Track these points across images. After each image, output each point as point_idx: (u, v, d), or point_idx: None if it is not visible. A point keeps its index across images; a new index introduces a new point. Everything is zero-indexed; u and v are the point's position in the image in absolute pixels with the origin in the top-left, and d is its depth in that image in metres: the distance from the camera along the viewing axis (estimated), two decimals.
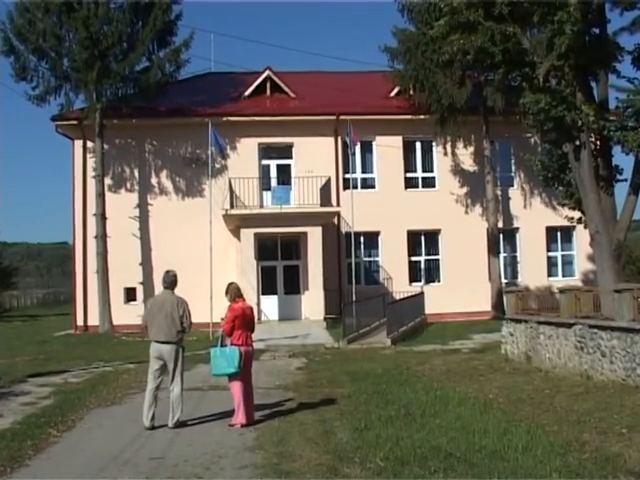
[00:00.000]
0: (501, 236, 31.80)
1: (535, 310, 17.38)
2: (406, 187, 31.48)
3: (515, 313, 17.54)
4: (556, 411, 10.55)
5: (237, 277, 26.25)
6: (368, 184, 31.41)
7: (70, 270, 32.37)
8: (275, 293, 29.55)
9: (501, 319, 19.24)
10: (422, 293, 29.06)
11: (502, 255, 31.75)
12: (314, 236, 27.57)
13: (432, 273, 31.71)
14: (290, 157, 30.99)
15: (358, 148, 29.00)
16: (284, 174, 30.76)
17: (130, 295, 29.58)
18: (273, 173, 30.96)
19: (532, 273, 31.10)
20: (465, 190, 31.76)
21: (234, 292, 10.32)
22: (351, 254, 27.89)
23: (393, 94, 32.43)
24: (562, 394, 11.92)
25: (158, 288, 10.04)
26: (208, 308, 24.75)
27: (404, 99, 31.61)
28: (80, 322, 29.73)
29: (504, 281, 30.82)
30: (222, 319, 10.37)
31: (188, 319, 10.15)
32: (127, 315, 27.79)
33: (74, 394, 13.30)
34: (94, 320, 28.78)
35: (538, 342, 15.89)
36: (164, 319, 10.04)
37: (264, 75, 32.40)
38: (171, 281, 10.40)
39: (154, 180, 30.53)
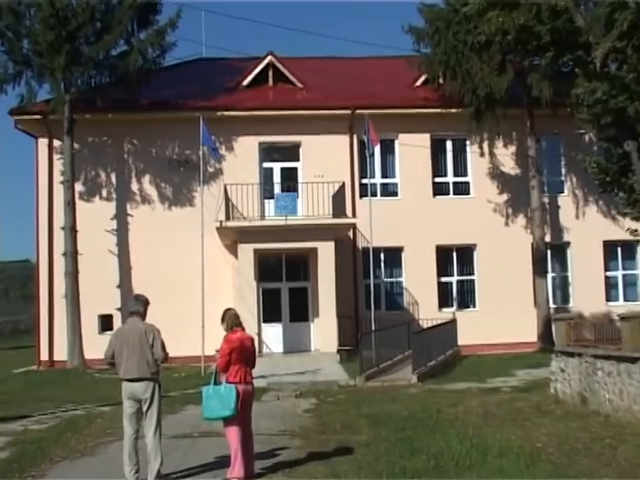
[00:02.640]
0: (549, 252, 31.79)
1: (591, 341, 17.26)
2: (435, 194, 31.58)
3: (566, 345, 17.43)
4: (619, 465, 10.44)
5: (234, 302, 26.13)
6: (389, 191, 31.55)
7: (32, 294, 32.44)
8: (279, 321, 29.63)
9: (550, 352, 19.13)
10: (454, 321, 29.00)
11: (550, 275, 31.73)
12: (325, 253, 27.61)
13: (466, 297, 31.76)
14: (297, 159, 31.14)
15: (377, 148, 29.11)
16: (290, 179, 30.89)
17: (105, 324, 29.49)
18: (277, 178, 31.10)
19: (587, 297, 31.00)
20: (505, 197, 31.80)
21: (232, 320, 10.31)
22: (369, 274, 27.77)
23: (419, 83, 32.64)
24: (626, 444, 11.79)
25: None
26: (199, 339, 24.75)
27: (432, 89, 31.75)
28: (44, 356, 29.76)
29: (552, 306, 30.73)
30: (216, 351, 10.32)
31: (159, 349, 10.12)
32: (102, 348, 27.24)
33: (36, 444, 13.17)
34: (62, 354, 28.79)
35: (595, 380, 15.77)
36: (132, 352, 10.08)
37: (266, 61, 32.60)
38: (139, 307, 10.40)
39: (135, 186, 30.66)
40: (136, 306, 10.42)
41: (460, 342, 28.77)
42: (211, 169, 30.33)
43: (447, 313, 30.24)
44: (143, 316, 10.39)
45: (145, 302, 10.47)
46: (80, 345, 28.21)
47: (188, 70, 34.48)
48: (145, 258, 29.66)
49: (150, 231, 29.84)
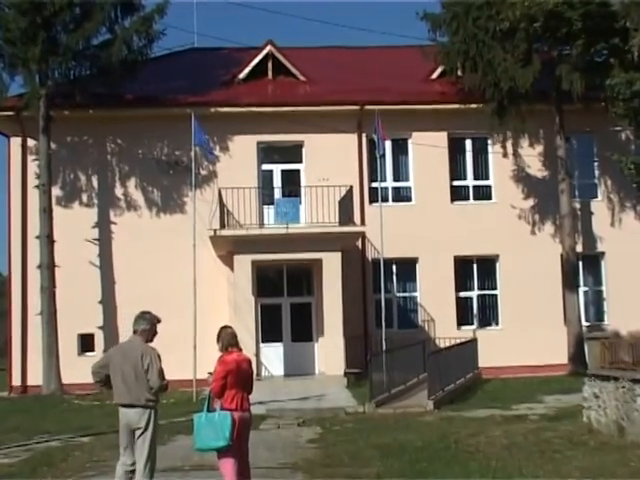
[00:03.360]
0: (580, 264, 31.77)
1: (629, 364, 17.23)
2: (453, 199, 31.62)
3: (601, 367, 17.40)
4: None
5: (229, 319, 26.28)
6: (402, 196, 31.64)
7: (4, 310, 32.35)
8: (280, 340, 29.69)
9: (582, 375, 19.08)
10: (474, 340, 29.08)
11: (582, 289, 31.73)
12: (331, 265, 27.59)
13: (487, 313, 31.79)
14: (299, 160, 31.29)
15: (389, 148, 29.15)
16: (291, 183, 31.02)
17: (86, 344, 29.61)
18: (277, 181, 31.21)
19: (623, 313, 30.73)
20: (531, 203, 31.81)
21: (228, 339, 10.27)
22: (380, 288, 27.82)
23: (435, 76, 32.72)
24: None
25: (124, 335, 9.96)
26: (190, 360, 24.82)
27: (450, 82, 31.81)
28: (17, 381, 29.72)
29: (585, 324, 30.70)
30: (210, 375, 10.32)
31: (155, 376, 10.15)
32: (81, 371, 27.19)
33: None
34: (36, 378, 28.72)
35: (634, 407, 15.72)
36: (127, 375, 10.14)
37: (265, 52, 32.65)
38: (140, 325, 10.47)
39: (119, 191, 30.71)
40: (137, 324, 10.48)
41: (481, 364, 28.75)
42: (204, 172, 30.40)
43: (467, 331, 30.29)
44: (147, 336, 10.45)
45: (150, 320, 10.51)
46: (57, 368, 28.13)
47: (178, 61, 34.54)
48: (131, 271, 29.67)
49: (136, 241, 29.83)
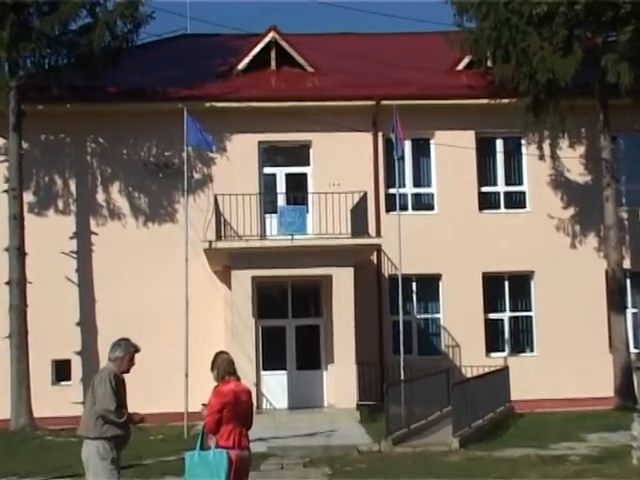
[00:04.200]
0: (628, 282, 31.65)
1: None
2: (481, 208, 31.65)
3: None
4: None
5: (226, 344, 26.32)
6: (423, 203, 31.75)
7: None
8: (283, 368, 29.78)
9: (630, 410, 19.04)
10: (506, 369, 29.02)
11: (630, 311, 31.58)
12: (342, 282, 27.63)
13: (521, 338, 31.79)
14: (306, 163, 31.45)
15: (408, 149, 29.26)
16: (297, 188, 31.14)
17: (61, 372, 29.58)
18: (281, 187, 31.30)
19: None
20: (571, 212, 31.80)
21: (224, 367, 10.29)
22: (398, 309, 27.79)
23: (461, 67, 32.78)
24: None
25: (105, 361, 10.09)
26: (181, 391, 24.79)
27: (478, 74, 31.87)
28: None
29: (634, 351, 30.28)
30: (204, 407, 10.30)
31: (100, 397, 10.23)
32: (56, 403, 27.82)
33: None
34: (3, 411, 28.45)
35: None
36: (86, 404, 10.50)
37: (267, 39, 32.73)
38: (119, 353, 10.64)
39: (100, 197, 30.75)
40: (111, 351, 10.71)
41: (514, 396, 28.66)
42: (198, 175, 30.46)
43: (497, 359, 30.29)
44: (120, 365, 10.59)
45: (125, 348, 10.67)
46: (28, 399, 27.96)
47: (169, 50, 34.61)
48: (113, 288, 29.63)
49: (120, 254, 29.87)
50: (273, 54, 32.65)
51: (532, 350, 31.56)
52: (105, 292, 29.92)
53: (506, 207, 32.01)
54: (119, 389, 10.37)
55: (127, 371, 10.59)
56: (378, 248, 29.53)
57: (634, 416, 17.83)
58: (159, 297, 28.98)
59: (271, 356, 29.39)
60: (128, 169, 30.76)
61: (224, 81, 31.81)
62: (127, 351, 10.58)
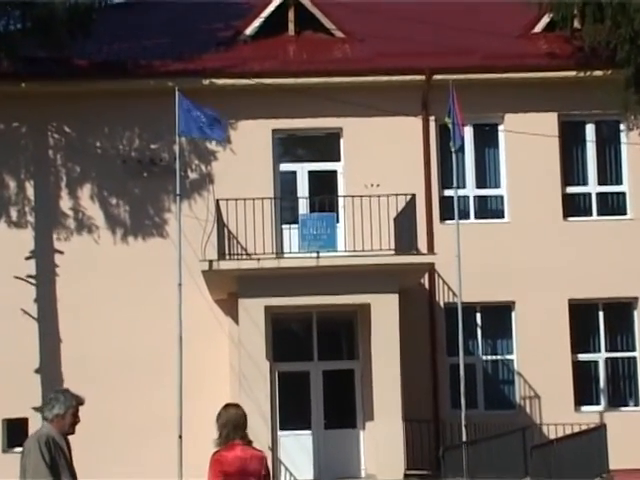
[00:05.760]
0: None
1: None
2: (567, 214, 31.40)
3: None
4: None
5: (231, 394, 26.63)
6: (490, 209, 31.81)
7: None
8: (307, 427, 29.60)
9: None
10: (602, 428, 28.53)
11: None
12: (384, 313, 27.40)
13: (622, 387, 31.52)
14: (336, 157, 31.40)
15: (469, 138, 29.43)
16: (324, 191, 30.95)
17: (16, 433, 28.87)
18: (303, 189, 31.21)
19: None
20: None
21: (232, 426, 10.26)
22: (457, 348, 27.73)
23: (539, 29, 32.64)
24: None
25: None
26: (174, 456, 24.74)
27: (560, 39, 31.79)
28: None
29: None
30: None
31: (31, 474, 10.43)
32: (8, 471, 27.36)
33: None
34: None
35: None
36: None
37: None
38: (59, 410, 10.66)
39: (66, 203, 30.68)
40: (47, 408, 10.85)
41: (613, 464, 28.03)
42: (194, 174, 30.45)
43: (590, 414, 29.98)
44: (63, 425, 10.65)
45: (66, 403, 10.74)
46: None
47: (154, 12, 34.73)
48: (84, 324, 29.52)
49: (92, 278, 29.77)
50: (291, 15, 32.58)
51: (637, 403, 31.32)
52: (73, 329, 29.73)
53: (599, 213, 31.77)
54: (57, 459, 10.39)
55: (72, 432, 10.66)
56: (430, 268, 29.33)
57: None
58: (144, 335, 28.88)
59: (291, 411, 29.21)
60: (103, 167, 30.61)
61: (227, 51, 31.83)
62: (69, 405, 10.59)
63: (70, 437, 10.77)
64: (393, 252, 28.32)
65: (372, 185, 29.49)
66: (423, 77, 30.44)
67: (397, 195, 28.37)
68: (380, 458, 27.22)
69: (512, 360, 31.03)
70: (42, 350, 29.77)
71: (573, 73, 30.75)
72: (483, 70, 30.56)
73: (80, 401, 10.70)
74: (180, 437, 24.74)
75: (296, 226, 28.87)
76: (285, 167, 31.22)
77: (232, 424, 10.22)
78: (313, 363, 29.86)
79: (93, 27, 29.51)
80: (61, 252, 30.34)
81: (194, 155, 29.78)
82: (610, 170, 31.95)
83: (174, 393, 25.47)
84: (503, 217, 31.40)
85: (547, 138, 30.79)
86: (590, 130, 31.92)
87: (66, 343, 29.73)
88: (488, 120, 31.12)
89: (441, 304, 30.38)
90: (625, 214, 31.60)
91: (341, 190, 30.72)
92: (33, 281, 30.11)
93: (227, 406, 10.52)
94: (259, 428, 24.18)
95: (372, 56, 31.37)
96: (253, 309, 27.26)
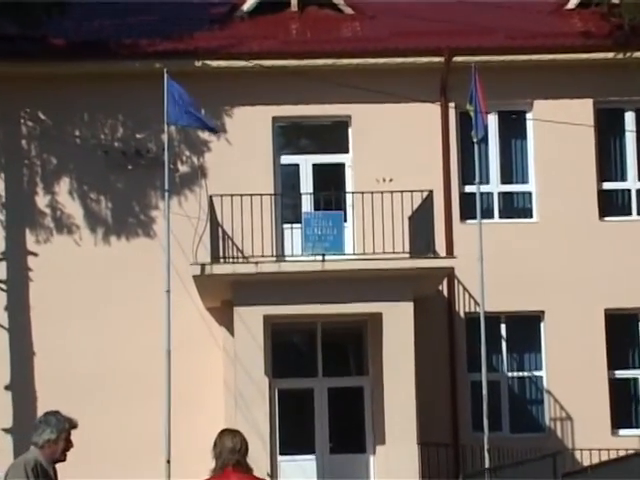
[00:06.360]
0: None
1: None
2: (603, 214, 31.28)
3: None
4: None
5: (226, 415, 26.97)
6: (517, 207, 31.83)
7: None
8: (311, 451, 29.52)
9: None
10: None
11: None
12: (398, 323, 27.32)
13: None
14: (344, 149, 31.34)
15: (493, 127, 29.72)
16: (330, 185, 31.01)
17: None
18: (307, 184, 31.23)
19: None
20: None
21: (228, 452, 9.90)
22: (479, 364, 27.58)
23: (572, 5, 32.61)
24: None
25: None
26: None
27: (596, 16, 31.80)
28: None
29: None
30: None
31: None
32: None
33: None
34: None
35: None
36: None
37: None
38: (51, 434, 10.39)
39: (42, 200, 30.64)
40: (37, 433, 10.43)
41: None
42: (185, 167, 30.43)
43: (629, 438, 29.87)
44: (53, 451, 10.34)
45: (58, 426, 10.44)
46: None
47: None
48: (60, 335, 29.44)
49: (70, 284, 29.73)
50: None
51: None
52: (48, 340, 29.63)
53: None
54: None
55: (63, 459, 10.48)
56: (450, 273, 29.28)
57: None
58: (127, 347, 28.90)
59: (293, 433, 29.30)
60: (82, 159, 30.56)
61: (222, 29, 31.92)
62: (61, 429, 10.36)
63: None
64: (407, 255, 28.39)
65: (384, 180, 29.67)
66: (442, 59, 30.28)
67: (412, 191, 28.22)
68: None
69: (541, 377, 30.97)
70: (13, 365, 29.74)
71: (611, 54, 30.68)
72: (509, 51, 30.45)
73: (73, 424, 10.50)
74: (168, 462, 24.63)
75: (299, 226, 28.99)
76: (287, 159, 31.21)
77: (228, 449, 9.95)
78: (317, 379, 29.86)
79: (71, 2, 29.64)
80: (35, 254, 30.29)
81: (185, 146, 29.80)
82: None
83: (162, 413, 25.44)
84: (531, 216, 31.39)
85: (581, 128, 30.77)
86: (630, 118, 31.78)
87: (40, 356, 29.64)
88: (515, 107, 31.13)
89: (461, 314, 30.34)
90: None
91: (349, 186, 30.75)
92: (3, 286, 30.15)
93: (223, 433, 10.27)
94: (257, 452, 23.76)
95: (385, 35, 31.36)
96: (250, 319, 27.20)
